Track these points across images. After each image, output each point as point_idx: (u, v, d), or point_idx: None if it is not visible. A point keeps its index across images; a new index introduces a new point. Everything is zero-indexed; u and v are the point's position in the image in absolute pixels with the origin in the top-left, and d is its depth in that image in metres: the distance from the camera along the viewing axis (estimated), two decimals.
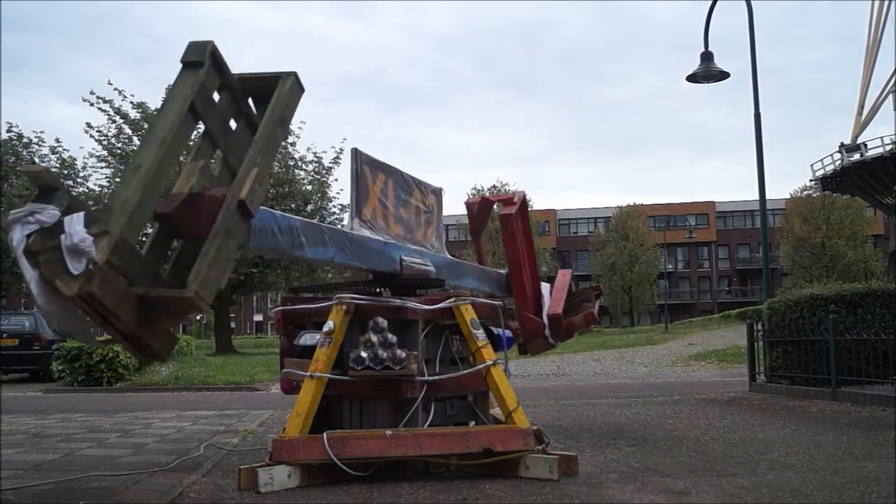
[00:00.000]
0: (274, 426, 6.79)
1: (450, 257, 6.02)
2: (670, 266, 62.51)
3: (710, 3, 12.64)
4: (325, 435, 4.14)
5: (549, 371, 16.83)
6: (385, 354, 4.34)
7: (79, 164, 27.26)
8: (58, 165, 26.91)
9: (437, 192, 5.95)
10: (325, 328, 4.49)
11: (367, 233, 4.80)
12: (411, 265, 5.00)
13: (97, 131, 25.90)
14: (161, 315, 3.20)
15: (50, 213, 2.97)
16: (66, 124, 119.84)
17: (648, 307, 62.03)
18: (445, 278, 5.50)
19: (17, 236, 2.98)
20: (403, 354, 4.36)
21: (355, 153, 4.85)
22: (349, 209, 4.93)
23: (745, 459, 4.86)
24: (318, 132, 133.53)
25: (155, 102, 26.53)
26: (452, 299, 4.69)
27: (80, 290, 2.87)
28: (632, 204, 62.26)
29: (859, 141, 33.46)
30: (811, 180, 37.66)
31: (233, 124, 3.94)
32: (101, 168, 27.07)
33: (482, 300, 5.04)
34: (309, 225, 4.33)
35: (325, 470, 4.14)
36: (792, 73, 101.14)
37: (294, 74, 3.90)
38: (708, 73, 12.17)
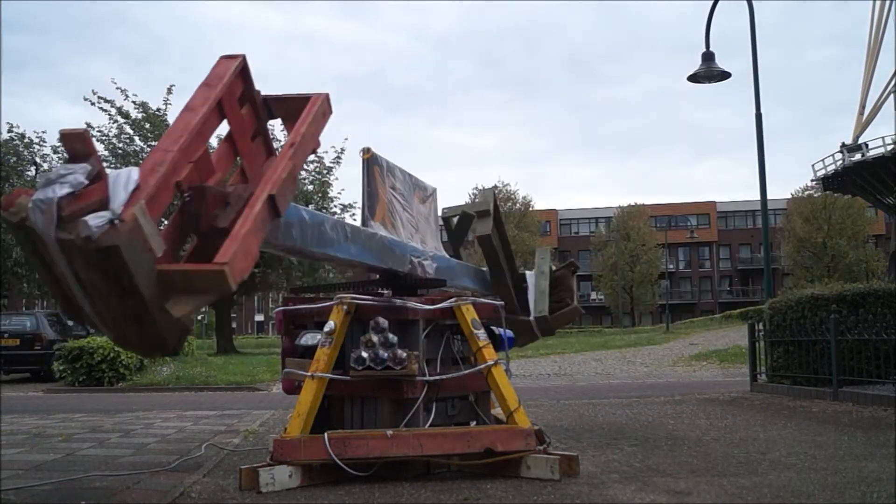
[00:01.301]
0: (275, 426, 6.79)
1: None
2: (671, 266, 62.30)
3: (710, 3, 12.65)
4: (326, 435, 4.14)
5: (551, 371, 16.83)
6: (386, 354, 4.34)
7: None
8: (59, 165, 26.91)
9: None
10: (326, 328, 4.49)
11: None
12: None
13: (98, 131, 25.92)
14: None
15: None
16: (67, 124, 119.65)
17: (650, 307, 61.98)
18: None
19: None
20: (404, 354, 4.36)
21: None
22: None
23: (747, 459, 4.86)
24: None
25: (156, 103, 26.57)
26: (453, 299, 4.69)
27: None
28: (633, 204, 62.21)
29: (861, 141, 33.34)
30: (812, 180, 37.61)
31: None
32: None
33: (483, 300, 5.03)
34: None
35: (326, 470, 4.14)
36: (793, 73, 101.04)
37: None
38: (709, 72, 12.19)
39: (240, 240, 3.02)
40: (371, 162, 4.81)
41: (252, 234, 3.11)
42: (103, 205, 2.76)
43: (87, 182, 2.80)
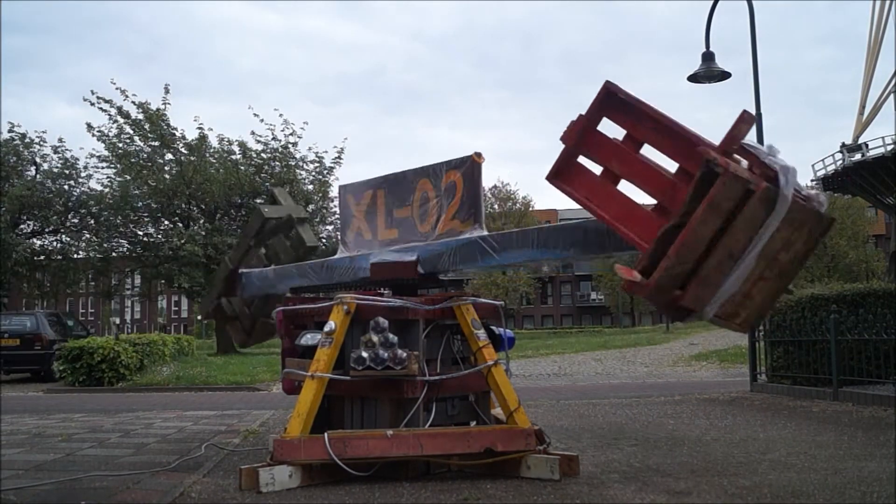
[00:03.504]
0: (275, 426, 6.79)
1: (467, 236, 4.70)
2: None
3: (710, 3, 12.64)
4: (326, 435, 4.14)
5: (551, 371, 16.80)
6: (386, 354, 4.34)
7: (80, 164, 27.34)
8: (59, 165, 26.99)
9: (464, 163, 4.84)
10: (326, 328, 4.49)
11: (343, 254, 5.61)
12: (381, 265, 5.01)
13: (98, 131, 25.93)
14: None
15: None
16: (66, 125, 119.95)
17: (650, 307, 61.93)
18: (458, 263, 4.72)
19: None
20: (404, 354, 4.36)
21: (341, 191, 5.82)
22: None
23: (747, 459, 4.86)
24: (319, 132, 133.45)
25: (156, 103, 26.55)
26: (453, 299, 4.69)
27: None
28: None
29: (861, 141, 33.34)
30: (812, 180, 37.55)
31: None
32: (103, 168, 27.16)
33: (483, 300, 5.02)
34: (281, 269, 6.22)
35: (326, 470, 4.15)
36: (792, 73, 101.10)
37: None
38: (709, 73, 12.16)
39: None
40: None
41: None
42: None
43: None
